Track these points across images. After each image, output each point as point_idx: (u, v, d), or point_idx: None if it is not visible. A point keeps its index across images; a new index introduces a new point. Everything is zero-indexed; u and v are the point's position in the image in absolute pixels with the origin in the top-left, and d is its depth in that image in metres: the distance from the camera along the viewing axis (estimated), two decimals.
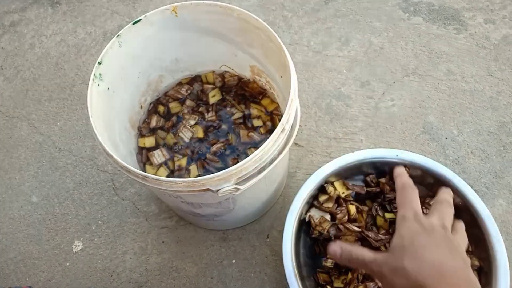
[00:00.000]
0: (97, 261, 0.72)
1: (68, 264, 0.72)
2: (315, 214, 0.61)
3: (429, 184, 0.62)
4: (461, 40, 0.87)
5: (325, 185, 0.61)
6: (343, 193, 0.61)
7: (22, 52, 0.94)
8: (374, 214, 0.63)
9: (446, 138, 0.77)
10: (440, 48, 0.86)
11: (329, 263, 0.59)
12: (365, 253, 0.42)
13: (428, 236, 0.40)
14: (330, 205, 0.60)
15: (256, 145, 0.65)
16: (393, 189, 0.62)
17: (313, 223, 0.59)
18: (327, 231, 0.59)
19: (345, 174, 0.63)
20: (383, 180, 0.62)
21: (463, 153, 0.76)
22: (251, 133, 0.66)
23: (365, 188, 0.63)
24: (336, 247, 0.44)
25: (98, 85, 0.53)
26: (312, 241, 0.63)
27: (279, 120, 0.67)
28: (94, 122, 0.49)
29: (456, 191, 0.58)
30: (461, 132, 0.77)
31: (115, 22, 0.96)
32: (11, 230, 0.75)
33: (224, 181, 0.46)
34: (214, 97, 0.69)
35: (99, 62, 0.53)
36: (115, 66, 0.56)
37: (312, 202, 0.62)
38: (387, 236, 0.59)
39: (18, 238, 0.75)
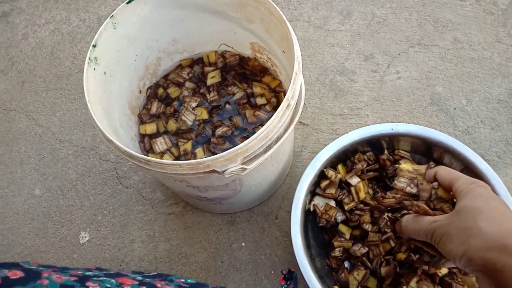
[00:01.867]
0: (105, 251, 0.71)
1: (76, 255, 0.71)
2: (319, 202, 0.59)
3: (429, 152, 0.60)
4: (467, 7, 0.84)
5: (324, 170, 0.59)
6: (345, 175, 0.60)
7: (16, 43, 0.92)
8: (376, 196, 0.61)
9: (455, 109, 0.75)
10: (446, 17, 0.83)
11: (337, 253, 0.57)
12: (425, 218, 0.41)
13: (500, 203, 0.38)
14: (333, 191, 0.58)
15: (263, 123, 0.64)
16: (392, 164, 0.61)
17: (319, 212, 0.58)
18: (334, 218, 0.57)
19: (343, 157, 0.61)
20: (383, 156, 0.61)
21: (472, 122, 0.73)
22: (257, 112, 0.64)
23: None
24: (400, 227, 0.44)
25: (94, 69, 0.51)
26: (320, 230, 0.61)
27: (284, 96, 0.65)
28: (92, 108, 0.47)
29: (456, 155, 0.57)
30: (470, 101, 0.75)
31: (109, 7, 0.94)
32: (15, 224, 0.74)
33: (230, 161, 0.45)
34: (213, 78, 0.67)
35: (93, 45, 0.51)
36: (111, 48, 0.54)
37: (314, 190, 0.60)
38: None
39: (24, 232, 0.74)
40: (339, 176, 0.59)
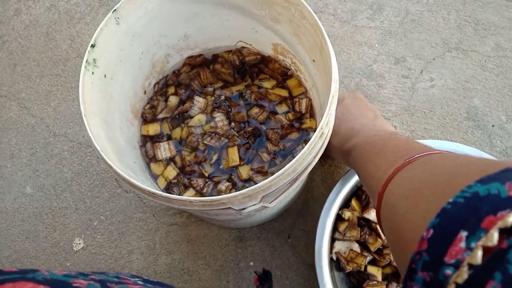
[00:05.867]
0: (101, 261, 0.65)
1: (68, 264, 0.66)
2: (341, 248, 0.52)
3: None
4: None
5: (339, 212, 0.53)
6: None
7: (7, 19, 0.83)
8: None
9: (493, 126, 0.67)
10: (488, 19, 0.74)
11: None
12: None
13: (344, 108, 0.52)
14: (354, 233, 0.51)
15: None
16: None
17: (344, 261, 0.51)
18: (364, 266, 0.51)
19: (353, 188, 0.55)
20: None
21: None
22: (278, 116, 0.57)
23: None
24: None
25: (93, 73, 0.43)
26: (346, 274, 0.55)
27: (302, 104, 0.57)
28: (88, 122, 0.40)
29: None
30: (511, 118, 0.67)
31: None
32: (4, 225, 0.68)
33: (250, 199, 0.38)
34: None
35: (92, 45, 0.43)
36: (112, 47, 0.46)
37: (333, 235, 0.53)
38: None
39: (13, 234, 0.68)
40: (356, 214, 0.52)
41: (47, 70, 0.78)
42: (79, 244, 0.66)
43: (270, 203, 0.40)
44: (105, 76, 0.46)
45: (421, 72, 0.71)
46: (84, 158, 0.71)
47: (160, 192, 0.37)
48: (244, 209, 0.38)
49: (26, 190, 0.70)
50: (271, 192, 0.39)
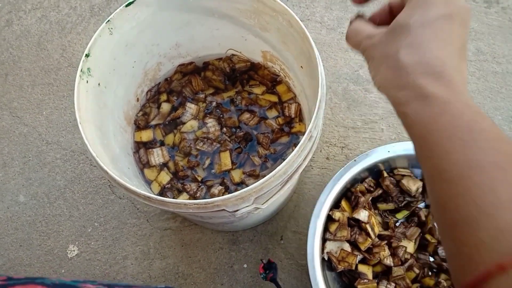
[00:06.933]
0: (95, 267, 0.66)
1: (63, 271, 0.66)
2: (332, 248, 0.54)
3: None
4: (492, 15, 0.78)
5: (330, 213, 0.54)
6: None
7: None
8: (386, 221, 0.57)
9: None
10: None
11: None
12: (365, 30, 0.29)
13: (448, 23, 0.26)
14: (344, 233, 0.53)
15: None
16: (394, 185, 0.58)
17: (335, 260, 0.53)
18: (355, 265, 0.52)
19: (343, 190, 0.57)
20: (386, 181, 0.57)
21: None
22: (269, 121, 0.58)
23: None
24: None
25: (87, 81, 0.45)
26: (337, 274, 0.56)
27: (289, 110, 0.59)
28: (83, 129, 0.41)
29: None
30: (492, 119, 0.70)
31: None
32: None
33: (243, 200, 0.39)
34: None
35: (86, 55, 0.44)
36: (106, 57, 0.47)
37: (324, 236, 0.55)
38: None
39: (6, 243, 0.68)
40: (346, 214, 0.54)
41: (39, 79, 0.78)
42: (74, 251, 0.67)
43: (262, 204, 0.42)
44: (99, 84, 0.47)
45: None
46: (77, 165, 0.72)
47: (155, 196, 0.38)
48: (237, 210, 0.40)
49: (19, 199, 0.70)
50: (263, 194, 0.40)
